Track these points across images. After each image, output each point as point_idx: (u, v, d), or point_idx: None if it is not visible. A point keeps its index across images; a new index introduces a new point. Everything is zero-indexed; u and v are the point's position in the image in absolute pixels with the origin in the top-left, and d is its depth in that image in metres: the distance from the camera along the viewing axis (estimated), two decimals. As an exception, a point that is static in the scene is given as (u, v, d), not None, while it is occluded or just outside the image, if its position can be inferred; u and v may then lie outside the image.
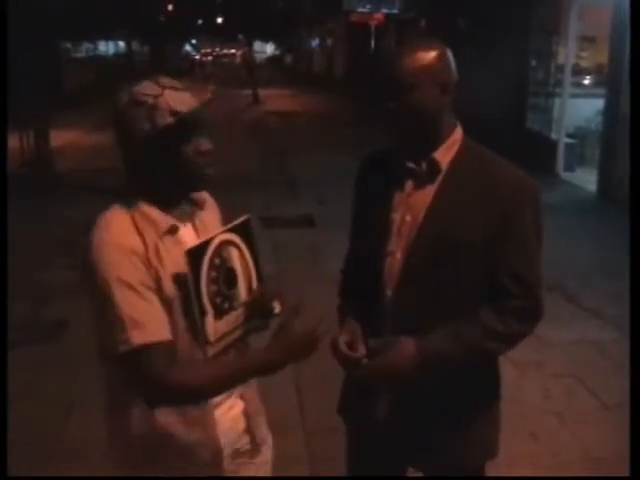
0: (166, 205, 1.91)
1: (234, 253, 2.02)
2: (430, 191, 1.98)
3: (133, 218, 1.85)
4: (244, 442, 2.14)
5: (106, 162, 12.72)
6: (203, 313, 1.89)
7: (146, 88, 1.87)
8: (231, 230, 2.02)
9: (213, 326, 1.93)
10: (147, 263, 1.80)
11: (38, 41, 11.61)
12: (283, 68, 56.82)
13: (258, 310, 2.07)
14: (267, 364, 1.87)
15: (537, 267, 1.98)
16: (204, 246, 1.90)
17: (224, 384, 1.92)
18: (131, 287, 1.76)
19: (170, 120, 1.81)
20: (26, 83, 10.86)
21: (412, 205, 1.99)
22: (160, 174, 1.88)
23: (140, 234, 1.82)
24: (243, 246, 2.05)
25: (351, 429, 2.31)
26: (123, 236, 1.81)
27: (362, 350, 2.02)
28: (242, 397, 2.12)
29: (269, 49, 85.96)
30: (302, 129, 18.09)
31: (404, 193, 2.01)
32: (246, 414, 2.14)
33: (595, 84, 13.10)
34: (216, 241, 1.94)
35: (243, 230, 2.05)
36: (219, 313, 1.95)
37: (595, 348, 5.10)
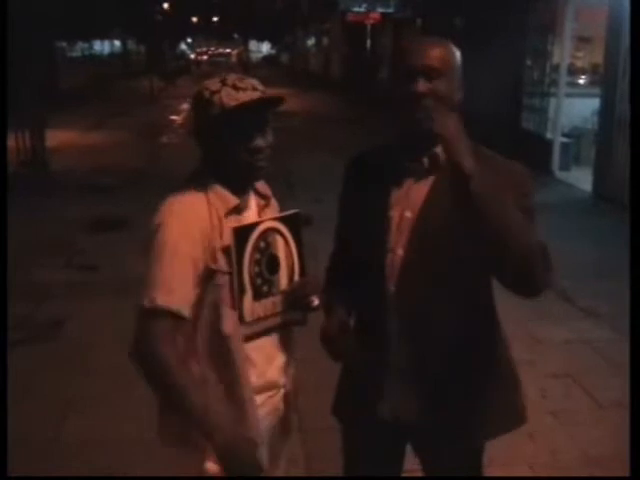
0: (235, 191, 2.01)
1: (280, 241, 2.11)
2: (428, 185, 1.98)
3: (207, 195, 1.97)
4: (277, 429, 2.22)
5: (102, 162, 12.81)
6: (242, 291, 2.00)
7: (210, 83, 1.97)
8: (280, 219, 2.12)
9: (250, 306, 2.03)
10: (208, 236, 1.93)
11: (34, 40, 11.60)
12: (279, 67, 56.82)
13: (296, 301, 2.13)
14: (209, 428, 1.91)
15: (538, 252, 1.86)
16: (251, 227, 2.02)
17: (178, 398, 1.92)
18: (180, 257, 1.90)
19: (217, 114, 1.91)
20: (22, 82, 10.83)
21: (411, 201, 1.99)
22: (218, 161, 2.00)
23: (210, 208, 1.95)
24: (289, 237, 2.14)
25: (346, 429, 2.31)
26: (193, 207, 1.94)
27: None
28: (285, 386, 2.20)
29: (265, 48, 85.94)
30: (298, 128, 18.08)
31: (402, 190, 2.01)
32: (286, 403, 2.22)
33: (590, 84, 13.15)
34: (263, 226, 2.05)
35: (291, 222, 2.14)
36: (258, 295, 2.05)
37: (590, 347, 5.11)
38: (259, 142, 1.95)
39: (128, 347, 1.95)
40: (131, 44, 53.86)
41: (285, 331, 2.17)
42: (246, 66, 31.80)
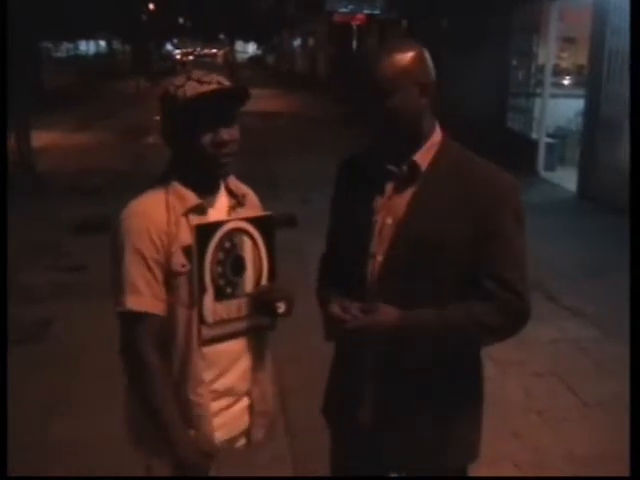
0: (201, 192, 2.00)
1: (247, 243, 2.07)
2: (410, 193, 1.98)
3: (166, 195, 1.97)
4: (242, 440, 2.19)
5: (88, 163, 12.75)
6: (202, 290, 1.97)
7: (176, 80, 1.99)
8: (250, 221, 2.07)
9: (212, 307, 2.00)
10: (165, 236, 1.93)
11: (19, 41, 11.53)
12: (265, 68, 56.75)
13: (262, 306, 2.09)
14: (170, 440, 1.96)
15: (520, 265, 1.98)
16: (215, 226, 1.99)
17: (148, 406, 1.97)
18: (143, 257, 1.91)
19: (180, 106, 1.92)
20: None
21: (393, 207, 1.99)
22: (183, 159, 2.01)
23: (167, 208, 1.95)
24: (259, 240, 2.09)
25: (335, 431, 2.31)
26: (150, 207, 1.95)
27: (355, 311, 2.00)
28: (249, 394, 2.17)
29: (251, 49, 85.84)
30: (284, 129, 18.08)
31: (384, 196, 2.01)
32: (250, 412, 2.19)
33: (575, 84, 13.23)
34: (229, 225, 2.01)
35: (262, 224, 2.10)
36: (220, 296, 2.02)
37: (575, 346, 5.14)
38: (224, 135, 1.93)
39: (118, 348, 1.99)
40: (117, 44, 53.70)
41: (255, 335, 2.14)
42: (232, 67, 31.71)
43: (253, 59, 71.30)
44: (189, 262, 1.94)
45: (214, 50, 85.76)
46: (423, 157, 1.98)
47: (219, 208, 2.06)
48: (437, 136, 2.01)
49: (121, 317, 1.95)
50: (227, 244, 2.01)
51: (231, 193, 2.10)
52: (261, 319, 2.12)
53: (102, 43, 53.60)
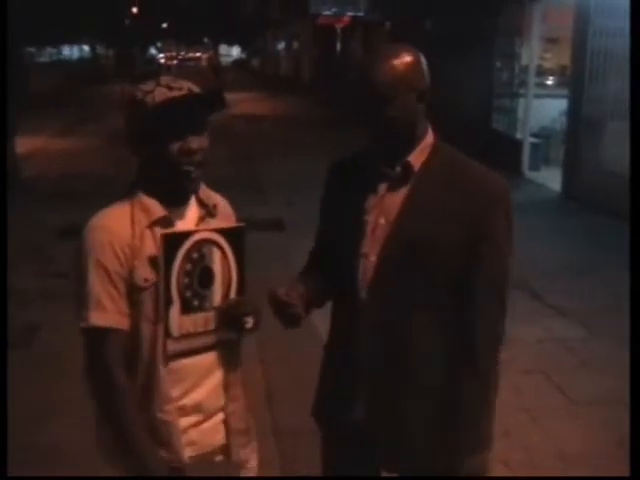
0: (169, 203, 1.95)
1: (216, 254, 2.00)
2: (403, 194, 1.99)
3: (132, 207, 1.93)
4: (218, 456, 2.12)
5: (73, 168, 12.70)
6: (169, 302, 1.92)
7: (145, 85, 1.94)
8: (220, 232, 2.01)
9: (178, 320, 1.94)
10: (128, 249, 1.88)
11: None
12: (249, 71, 56.71)
13: (229, 320, 2.03)
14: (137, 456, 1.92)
15: (506, 268, 2.01)
16: (183, 236, 1.93)
17: (116, 423, 1.94)
18: (106, 271, 1.87)
19: (149, 112, 1.87)
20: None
21: (385, 208, 2.00)
22: (150, 168, 1.96)
23: (132, 221, 1.90)
24: (229, 251, 2.02)
25: (326, 433, 2.31)
26: (113, 221, 1.91)
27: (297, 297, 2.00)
28: (224, 409, 2.10)
29: (235, 52, 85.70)
30: (269, 132, 18.08)
31: (377, 196, 2.02)
32: (227, 429, 2.11)
33: (558, 85, 13.30)
34: (198, 236, 1.96)
35: (233, 236, 2.03)
36: (187, 308, 1.96)
37: (562, 345, 5.17)
38: (192, 144, 1.88)
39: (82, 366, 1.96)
40: (100, 49, 53.51)
41: (223, 350, 2.07)
42: (216, 70, 31.65)
43: (237, 62, 71.20)
44: (155, 274, 1.89)
45: (198, 54, 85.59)
46: (416, 158, 2.00)
47: (188, 219, 2.00)
48: (430, 138, 2.03)
49: (85, 333, 1.90)
50: (195, 255, 1.95)
51: (201, 203, 2.04)
52: (228, 333, 2.06)
53: (86, 48, 53.39)
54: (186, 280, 1.94)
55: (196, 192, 2.02)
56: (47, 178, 11.67)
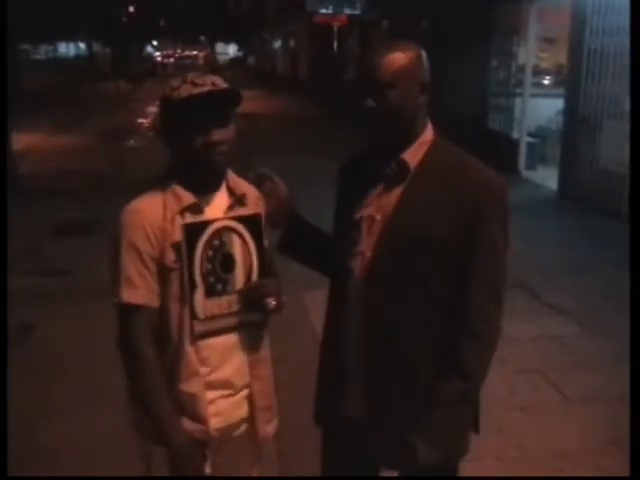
0: (199, 191, 2.06)
1: (236, 241, 2.12)
2: (399, 191, 2.01)
3: (164, 194, 2.04)
4: (241, 430, 2.22)
5: (69, 165, 12.69)
6: (193, 286, 2.03)
7: (174, 82, 2.03)
8: (238, 219, 2.11)
9: (203, 303, 2.06)
10: (159, 232, 1.99)
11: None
12: (246, 70, 56.66)
13: (252, 302, 2.14)
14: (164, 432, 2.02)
15: (502, 267, 2.01)
16: (204, 225, 2.04)
17: (142, 394, 2.05)
18: (138, 252, 1.98)
19: (174, 107, 1.97)
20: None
21: (382, 204, 2.02)
22: (180, 160, 2.06)
23: (164, 206, 2.02)
24: (248, 238, 2.13)
25: (325, 432, 2.32)
26: (146, 205, 2.02)
27: None
28: (249, 386, 2.21)
29: (231, 50, 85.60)
30: (266, 130, 18.08)
31: (375, 193, 2.05)
32: (251, 404, 2.22)
33: (555, 84, 13.32)
34: (218, 224, 2.07)
35: (250, 223, 2.14)
36: (210, 292, 2.07)
37: (557, 343, 5.19)
38: (215, 136, 1.97)
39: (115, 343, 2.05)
40: (97, 46, 53.38)
41: (248, 331, 2.18)
42: (213, 68, 31.61)
43: (234, 60, 71.06)
44: (178, 259, 2.00)
45: (195, 52, 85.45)
46: (413, 155, 2.01)
47: (217, 207, 2.10)
48: (429, 135, 2.05)
49: (118, 310, 2.02)
50: (216, 242, 2.06)
51: (231, 192, 2.14)
52: (252, 315, 2.16)
53: (82, 45, 53.28)
54: (209, 266, 2.06)
55: (223, 179, 2.13)
56: (42, 176, 11.66)
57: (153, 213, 2.00)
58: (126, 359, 2.05)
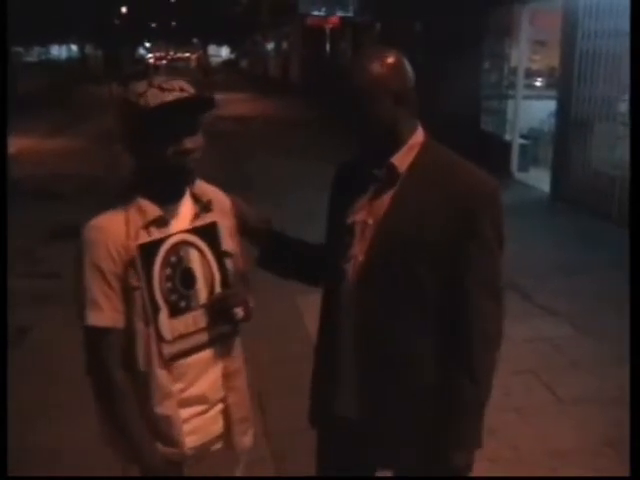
0: (163, 201, 1.97)
1: (194, 254, 2.03)
2: (390, 194, 2.00)
3: (127, 208, 1.95)
4: (216, 446, 2.16)
5: (61, 169, 12.66)
6: (156, 308, 1.95)
7: (137, 86, 1.92)
8: (192, 231, 2.02)
9: (168, 323, 1.97)
10: (122, 249, 1.91)
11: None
12: (238, 72, 56.62)
13: (219, 315, 2.07)
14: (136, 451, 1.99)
15: (498, 267, 2.02)
16: (158, 242, 1.95)
17: (114, 418, 2.00)
18: (101, 272, 1.90)
19: (143, 115, 1.86)
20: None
21: (374, 209, 2.02)
22: (146, 167, 1.96)
23: (127, 222, 1.93)
24: (206, 249, 2.05)
25: (321, 434, 2.32)
26: (108, 221, 1.93)
27: None
28: (224, 400, 2.14)
29: (224, 53, 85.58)
30: (258, 133, 18.08)
31: (367, 197, 2.05)
32: (227, 418, 2.16)
33: (547, 86, 13.36)
34: (173, 239, 1.98)
35: (207, 233, 2.05)
36: (174, 312, 1.99)
37: (550, 344, 5.21)
38: (187, 144, 1.90)
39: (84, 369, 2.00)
40: (89, 49, 53.32)
41: (220, 344, 2.11)
42: (205, 71, 31.50)
43: (227, 63, 71.05)
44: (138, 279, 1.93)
45: (187, 54, 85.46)
46: (402, 159, 2.00)
47: (183, 217, 2.02)
48: (418, 138, 2.03)
49: (84, 333, 1.95)
50: (173, 259, 1.98)
51: (196, 199, 2.07)
52: (221, 328, 2.09)
53: (74, 47, 53.18)
54: (169, 285, 1.98)
55: (191, 186, 2.05)
56: (36, 178, 11.63)
57: (116, 230, 1.91)
58: (96, 384, 1.99)
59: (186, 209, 2.04)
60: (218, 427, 2.15)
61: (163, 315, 1.96)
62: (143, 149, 1.93)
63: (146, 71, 48.75)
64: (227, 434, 2.16)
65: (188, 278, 2.02)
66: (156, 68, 58.06)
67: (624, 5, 8.00)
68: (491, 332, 2.04)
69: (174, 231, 1.98)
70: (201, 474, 2.14)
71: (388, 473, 2.25)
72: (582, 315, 5.70)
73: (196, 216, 2.05)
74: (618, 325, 5.18)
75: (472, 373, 1.99)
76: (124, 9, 47.66)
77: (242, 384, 2.20)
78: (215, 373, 2.11)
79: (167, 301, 1.97)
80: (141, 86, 1.91)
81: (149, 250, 1.93)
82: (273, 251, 2.31)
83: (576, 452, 3.85)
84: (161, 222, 1.97)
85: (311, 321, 2.37)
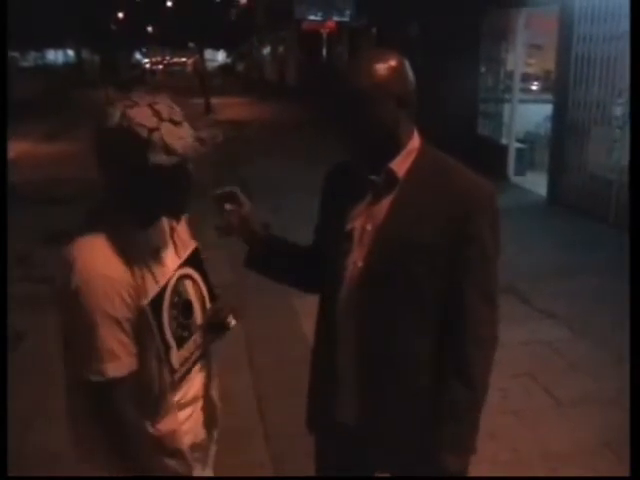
0: (147, 224, 1.95)
1: (189, 285, 2.09)
2: (389, 200, 2.00)
3: (117, 243, 1.83)
4: (202, 437, 2.22)
5: (58, 173, 12.65)
6: (168, 348, 1.98)
7: (142, 117, 1.76)
8: (185, 264, 2.07)
9: (177, 356, 2.02)
10: (133, 291, 1.83)
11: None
12: (235, 76, 56.62)
13: (215, 329, 2.16)
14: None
15: (494, 272, 2.02)
16: (162, 292, 1.95)
17: (127, 456, 1.93)
18: (117, 322, 1.80)
19: (164, 159, 1.76)
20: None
21: (372, 214, 2.01)
22: (143, 200, 1.87)
23: (127, 262, 1.83)
24: (196, 275, 2.12)
25: (318, 436, 2.32)
26: (111, 267, 1.80)
27: None
28: (208, 397, 2.22)
29: (220, 57, 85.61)
30: (255, 137, 18.08)
31: (365, 203, 2.03)
32: (204, 410, 2.22)
33: (543, 90, 13.39)
34: (172, 281, 2.00)
35: (194, 260, 2.11)
36: (181, 343, 2.04)
37: (548, 347, 5.22)
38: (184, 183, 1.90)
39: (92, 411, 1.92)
40: (85, 53, 53.32)
41: (208, 350, 2.21)
42: (202, 75, 31.48)
43: (223, 67, 71.04)
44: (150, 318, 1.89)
45: (183, 59, 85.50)
46: (400, 164, 1.99)
47: (164, 238, 2.03)
48: (415, 142, 2.02)
49: (96, 384, 1.81)
50: (176, 299, 2.01)
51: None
52: (210, 337, 2.19)
53: (70, 52, 53.16)
54: (175, 323, 2.01)
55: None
56: (32, 183, 11.62)
57: (122, 275, 1.80)
58: (108, 428, 1.88)
59: (162, 224, 2.03)
60: (202, 424, 2.21)
61: (173, 351, 1.99)
62: (147, 184, 1.82)
63: (142, 76, 48.79)
64: (210, 429, 2.24)
65: (188, 308, 2.08)
66: (153, 73, 58.11)
67: (619, 9, 8.05)
68: (485, 335, 2.02)
69: (165, 257, 2.00)
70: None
71: (384, 474, 2.26)
72: (580, 318, 5.71)
73: (172, 230, 2.07)
74: (615, 327, 5.20)
75: (465, 376, 1.98)
76: (120, 14, 47.71)
77: (217, 384, 2.28)
78: (203, 375, 2.20)
79: (175, 337, 2.00)
80: (149, 119, 1.76)
81: (157, 302, 1.92)
82: (264, 256, 2.29)
83: (575, 454, 3.85)
84: (156, 252, 1.98)
85: (309, 325, 2.37)
